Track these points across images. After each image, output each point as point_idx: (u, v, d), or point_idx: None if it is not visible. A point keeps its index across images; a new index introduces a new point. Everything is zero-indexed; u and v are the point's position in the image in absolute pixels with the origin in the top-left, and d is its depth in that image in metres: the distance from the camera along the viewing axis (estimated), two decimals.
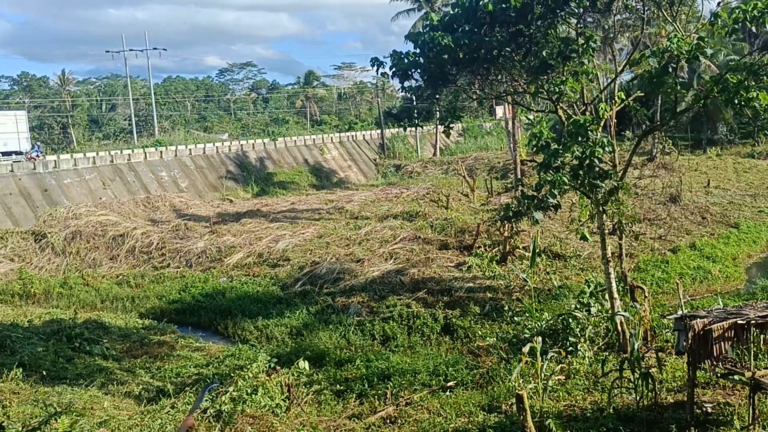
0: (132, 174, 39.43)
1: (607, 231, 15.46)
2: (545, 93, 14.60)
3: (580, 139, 13.03)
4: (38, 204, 33.52)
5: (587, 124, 13.01)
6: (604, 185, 13.75)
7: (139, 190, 38.80)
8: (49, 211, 33.15)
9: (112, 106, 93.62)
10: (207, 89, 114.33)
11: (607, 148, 13.35)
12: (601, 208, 14.42)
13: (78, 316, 21.45)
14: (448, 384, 14.09)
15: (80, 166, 37.11)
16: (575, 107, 16.63)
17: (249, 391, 12.17)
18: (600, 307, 15.83)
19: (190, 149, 45.34)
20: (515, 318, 18.36)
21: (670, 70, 13.37)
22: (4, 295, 25.43)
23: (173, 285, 25.89)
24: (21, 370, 15.15)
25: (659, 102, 41.71)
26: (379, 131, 61.33)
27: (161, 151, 42.97)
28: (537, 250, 19.61)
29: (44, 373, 15.63)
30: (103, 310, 23.63)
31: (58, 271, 28.66)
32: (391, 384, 14.14)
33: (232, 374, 13.97)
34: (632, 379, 11.56)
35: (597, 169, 13.35)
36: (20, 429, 8.22)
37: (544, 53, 14.45)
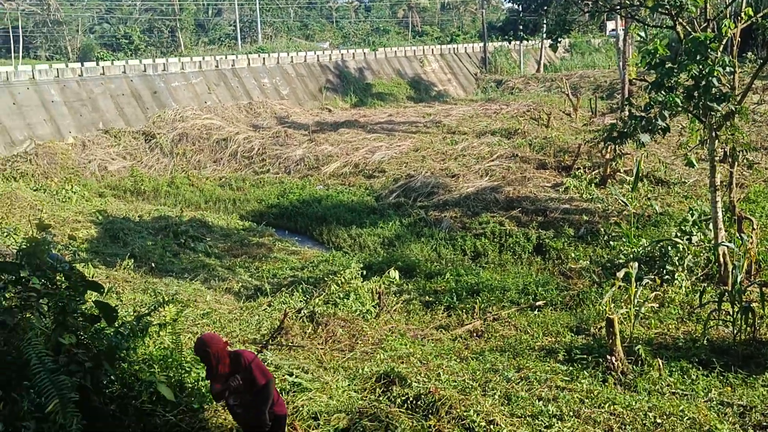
0: (236, 80, 40.24)
1: (717, 158, 14.65)
2: (664, 6, 13.63)
3: (698, 57, 12.18)
4: (148, 105, 34.91)
5: (708, 42, 12.12)
6: (720, 108, 12.91)
7: (242, 95, 39.63)
8: (158, 113, 34.51)
9: (218, 11, 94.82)
10: None
11: (727, 69, 12.45)
12: (714, 133, 13.61)
13: (184, 214, 22.64)
14: (537, 303, 14.10)
15: (187, 70, 38.15)
16: (695, 23, 15.46)
17: (341, 295, 12.63)
18: (702, 237, 15.21)
19: (291, 57, 45.61)
20: (611, 242, 17.94)
21: None
22: (117, 190, 27.05)
23: (272, 190, 26.74)
24: (132, 261, 16.24)
25: None
26: (481, 44, 59.50)
27: (264, 58, 43.45)
28: (640, 175, 18.89)
29: (152, 265, 16.71)
30: (206, 210, 24.79)
31: (165, 170, 30.08)
32: (479, 299, 14.29)
33: (326, 279, 14.50)
34: (731, 312, 11.18)
35: (714, 90, 12.51)
36: (132, 313, 8.88)
37: None
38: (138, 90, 35.19)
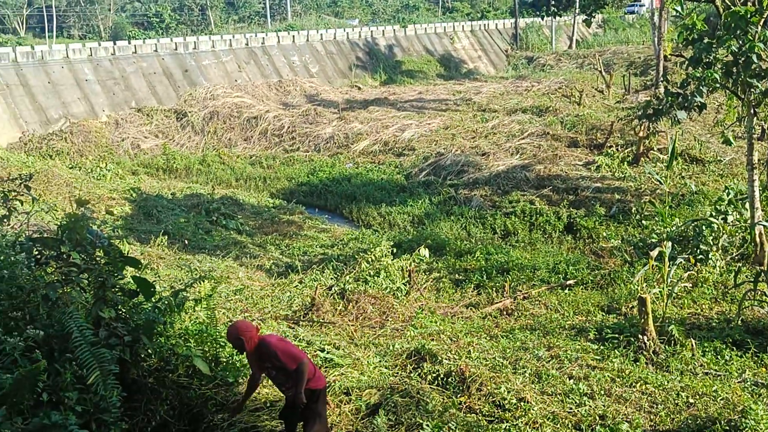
0: (266, 57, 40.31)
1: (755, 135, 14.35)
2: None
3: (738, 32, 11.90)
4: (179, 84, 35.18)
5: (748, 16, 11.83)
6: (759, 85, 12.62)
7: (272, 73, 39.72)
8: (189, 91, 34.77)
9: None
10: None
11: None
12: (752, 110, 13.32)
13: (215, 192, 22.88)
14: (568, 282, 14.03)
15: (217, 48, 38.32)
16: None
17: (372, 273, 12.71)
18: (738, 216, 14.94)
19: (321, 34, 45.52)
20: (643, 221, 17.73)
21: None
22: (150, 168, 27.41)
23: (302, 168, 26.86)
24: (166, 237, 16.51)
25: None
26: (512, 20, 58.68)
27: (293, 36, 43.42)
28: (675, 153, 18.60)
29: (185, 242, 16.97)
30: (237, 188, 25.01)
31: (197, 148, 30.37)
32: (509, 277, 14.27)
33: (356, 256, 14.59)
34: (766, 293, 11.02)
35: (754, 66, 12.22)
36: (168, 288, 9.05)
37: None
38: (169, 68, 35.46)
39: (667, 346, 9.85)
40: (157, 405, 6.67)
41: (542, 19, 50.37)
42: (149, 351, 6.89)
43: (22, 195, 8.55)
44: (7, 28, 74.22)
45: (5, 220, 8.58)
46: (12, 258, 6.26)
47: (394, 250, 14.13)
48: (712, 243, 14.04)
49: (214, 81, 36.24)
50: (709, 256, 13.83)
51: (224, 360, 7.67)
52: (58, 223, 6.59)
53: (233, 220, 20.04)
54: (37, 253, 6.51)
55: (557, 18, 54.07)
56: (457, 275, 14.79)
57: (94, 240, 6.49)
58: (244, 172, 26.96)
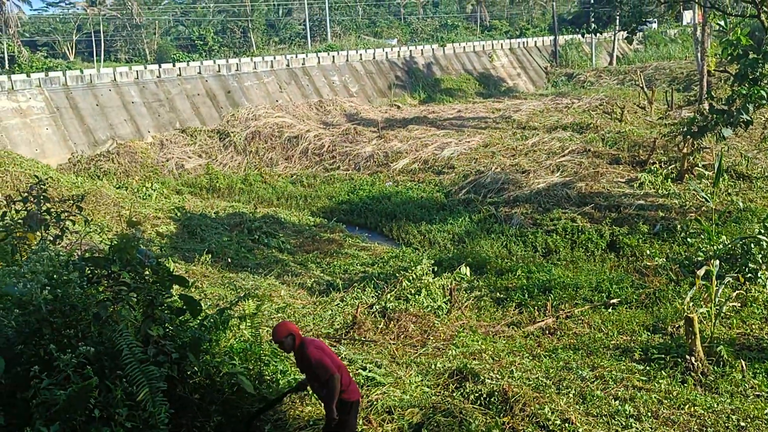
0: (306, 78, 40.86)
1: None
2: None
3: None
4: (222, 105, 35.87)
5: None
6: None
7: (312, 93, 40.22)
8: (231, 112, 35.42)
9: (288, 11, 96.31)
10: None
11: None
12: None
13: (257, 211, 23.19)
14: (611, 301, 13.82)
15: (259, 69, 38.99)
16: None
17: (413, 291, 12.72)
18: None
19: (360, 54, 45.98)
20: (688, 239, 17.40)
21: None
22: (193, 187, 27.93)
23: (342, 187, 27.07)
24: (209, 256, 16.77)
25: None
26: (551, 38, 58.48)
27: (333, 56, 43.95)
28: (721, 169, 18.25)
29: (229, 260, 17.21)
30: (278, 207, 25.30)
31: (239, 168, 30.85)
32: (551, 296, 14.11)
33: (397, 275, 14.62)
34: None
35: None
36: (213, 306, 9.20)
37: None
38: (213, 90, 36.19)
39: (715, 367, 9.64)
40: (204, 422, 6.77)
41: (582, 36, 50.09)
42: (195, 368, 7.01)
43: (74, 215, 8.84)
44: (57, 53, 76.72)
45: (58, 240, 8.88)
46: (65, 277, 6.46)
47: (435, 269, 14.11)
48: (761, 261, 13.71)
49: (256, 101, 36.85)
50: (758, 275, 13.51)
51: (268, 377, 7.76)
52: (109, 243, 6.78)
53: (275, 239, 20.26)
54: (89, 272, 6.71)
55: (597, 35, 53.68)
56: (498, 294, 14.69)
57: (143, 259, 6.66)
58: (285, 190, 27.27)
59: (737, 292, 12.69)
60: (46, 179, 12.46)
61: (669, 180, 22.23)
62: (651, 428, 7.58)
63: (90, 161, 28.93)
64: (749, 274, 13.51)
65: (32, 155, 27.66)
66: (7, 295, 6.34)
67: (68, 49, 79.03)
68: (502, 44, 55.17)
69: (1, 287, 6.46)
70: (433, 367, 9.25)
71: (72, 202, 8.09)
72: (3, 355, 5.88)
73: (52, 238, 8.69)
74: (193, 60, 47.86)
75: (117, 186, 25.64)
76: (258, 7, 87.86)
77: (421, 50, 50.17)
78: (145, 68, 35.41)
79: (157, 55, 74.91)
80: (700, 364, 9.54)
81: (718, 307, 11.39)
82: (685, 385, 9.10)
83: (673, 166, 23.27)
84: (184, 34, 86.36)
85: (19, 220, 8.68)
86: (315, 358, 6.49)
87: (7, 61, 54.53)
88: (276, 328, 6.74)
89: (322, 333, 10.83)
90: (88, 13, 72.52)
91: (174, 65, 37.22)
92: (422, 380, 8.72)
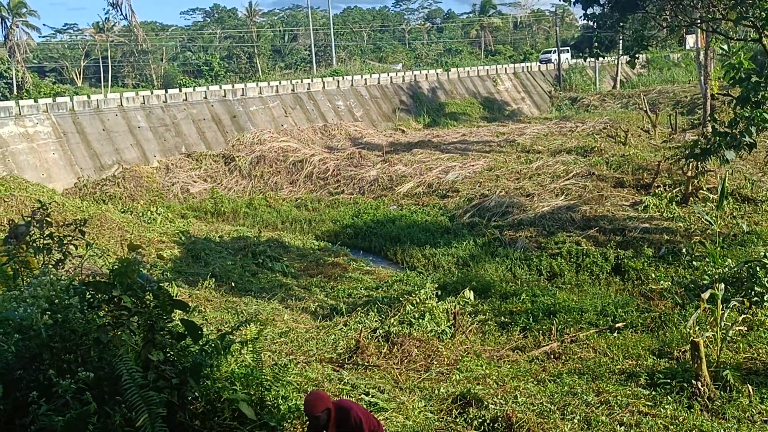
0: (311, 102, 41.13)
1: None
2: (748, 19, 13.22)
3: None
4: (227, 129, 36.09)
5: None
6: None
7: (317, 118, 40.44)
8: (236, 136, 35.63)
9: (293, 37, 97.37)
10: (383, 19, 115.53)
11: None
12: None
13: (261, 235, 23.20)
14: (617, 325, 13.71)
15: (264, 94, 39.27)
16: None
17: (416, 315, 12.65)
18: None
19: (365, 79, 46.30)
20: (694, 263, 17.30)
21: None
22: (198, 212, 28.00)
23: (347, 210, 27.09)
24: (213, 280, 16.75)
25: None
26: (555, 61, 58.86)
27: (338, 81, 44.27)
28: (725, 192, 18.21)
29: (233, 284, 17.18)
30: (283, 231, 25.31)
31: (244, 192, 30.95)
32: (556, 320, 14.03)
33: (401, 299, 14.55)
34: None
35: None
36: (215, 331, 9.17)
37: None
38: (218, 114, 36.43)
39: (722, 393, 9.52)
40: None
41: (585, 60, 50.52)
42: (196, 394, 6.96)
43: (77, 240, 8.85)
44: (65, 78, 77.54)
45: (60, 264, 8.88)
46: (66, 302, 6.45)
47: (439, 293, 14.06)
48: (767, 284, 13.62)
49: (261, 126, 37.06)
50: (764, 299, 13.40)
51: (269, 403, 7.69)
52: (110, 268, 6.78)
53: (279, 263, 20.23)
54: (89, 296, 6.70)
55: (600, 59, 54.02)
56: (502, 318, 14.61)
57: (144, 284, 6.65)
58: (289, 214, 27.31)
59: (743, 315, 12.57)
60: (51, 204, 12.51)
61: (673, 203, 22.18)
62: None
63: (96, 186, 29.07)
64: (755, 298, 13.41)
65: (39, 180, 27.82)
66: (7, 320, 6.33)
67: (76, 75, 79.91)
68: (506, 68, 55.54)
69: (1, 312, 6.46)
70: (436, 392, 9.17)
71: (75, 226, 8.11)
72: (2, 380, 5.86)
73: (54, 263, 8.70)
74: (200, 85, 48.28)
75: (122, 210, 25.71)
76: (264, 33, 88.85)
77: (426, 75, 50.52)
78: (152, 93, 35.72)
79: (164, 81, 75.65)
80: (706, 389, 9.43)
81: (724, 331, 11.28)
82: (692, 410, 8.99)
83: (677, 189, 23.24)
84: (191, 59, 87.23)
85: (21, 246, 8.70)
86: (365, 418, 5.99)
87: (15, 87, 55.14)
88: (311, 402, 5.88)
89: (325, 357, 10.77)
90: (96, 39, 73.43)
91: (180, 90, 37.56)
92: (425, 405, 8.64)
